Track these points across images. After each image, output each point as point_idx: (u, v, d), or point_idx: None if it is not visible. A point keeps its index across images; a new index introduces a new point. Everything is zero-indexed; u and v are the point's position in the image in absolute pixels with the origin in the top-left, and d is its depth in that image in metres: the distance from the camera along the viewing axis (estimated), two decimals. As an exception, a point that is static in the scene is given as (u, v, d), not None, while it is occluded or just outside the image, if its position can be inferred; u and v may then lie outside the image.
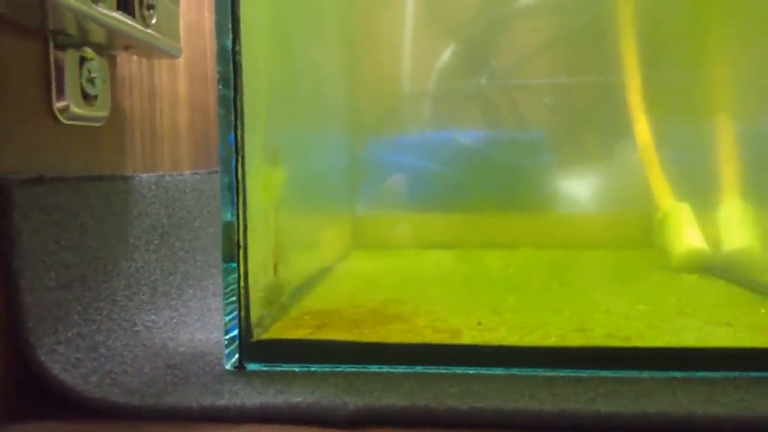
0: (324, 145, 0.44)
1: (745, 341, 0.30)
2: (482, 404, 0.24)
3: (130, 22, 0.32)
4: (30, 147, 0.28)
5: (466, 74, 0.43)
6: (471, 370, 0.28)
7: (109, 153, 0.34)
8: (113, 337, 0.30)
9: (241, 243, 0.29)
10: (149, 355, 0.30)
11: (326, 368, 0.29)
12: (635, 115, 0.39)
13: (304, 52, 0.40)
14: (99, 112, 0.33)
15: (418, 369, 0.29)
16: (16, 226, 0.26)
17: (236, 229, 0.29)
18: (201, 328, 0.35)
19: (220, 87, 0.29)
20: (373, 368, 0.29)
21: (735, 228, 0.38)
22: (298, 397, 0.25)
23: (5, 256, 0.25)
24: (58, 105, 0.30)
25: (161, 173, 0.38)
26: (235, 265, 0.29)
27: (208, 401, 0.25)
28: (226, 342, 0.29)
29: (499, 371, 0.28)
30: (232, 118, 0.29)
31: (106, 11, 0.30)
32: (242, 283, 0.30)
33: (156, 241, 0.36)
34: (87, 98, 0.32)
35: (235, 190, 0.29)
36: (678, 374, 0.27)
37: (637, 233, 0.42)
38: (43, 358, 0.26)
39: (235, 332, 0.30)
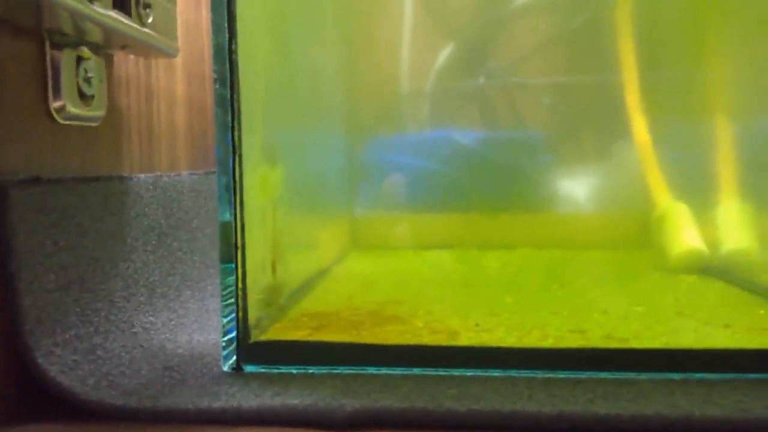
0: (322, 146, 0.43)
1: (743, 342, 0.30)
2: (480, 406, 0.24)
3: (126, 21, 0.32)
4: (26, 147, 0.28)
5: (464, 74, 0.42)
6: (469, 372, 0.28)
7: (106, 153, 0.34)
8: (111, 339, 0.30)
9: (239, 244, 0.29)
10: (147, 356, 0.30)
11: (324, 370, 0.29)
12: (633, 115, 0.39)
13: (302, 52, 0.40)
14: (96, 111, 0.33)
15: (416, 371, 0.28)
16: (13, 228, 0.26)
17: (234, 230, 0.29)
18: (199, 329, 0.35)
19: (217, 86, 0.29)
20: (371, 370, 0.29)
21: (733, 228, 0.38)
22: (295, 399, 0.25)
23: (2, 257, 0.25)
24: (55, 105, 0.30)
25: (158, 173, 0.38)
26: (232, 266, 0.29)
27: (205, 403, 0.25)
28: (223, 343, 0.29)
29: (496, 373, 0.28)
30: (229, 118, 0.29)
31: (102, 10, 0.30)
32: (240, 285, 0.30)
33: (154, 242, 0.36)
34: (83, 98, 0.32)
35: (232, 190, 0.29)
36: (676, 376, 0.27)
37: (636, 234, 0.42)
38: (40, 360, 0.26)
39: (233, 334, 0.29)
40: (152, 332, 0.33)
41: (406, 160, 0.43)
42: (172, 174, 0.39)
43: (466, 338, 0.31)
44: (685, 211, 0.40)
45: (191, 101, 0.45)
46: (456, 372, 0.28)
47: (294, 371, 0.29)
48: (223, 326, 0.29)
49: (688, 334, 0.31)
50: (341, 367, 0.29)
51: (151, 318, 0.33)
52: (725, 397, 0.25)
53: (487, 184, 0.42)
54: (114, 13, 0.31)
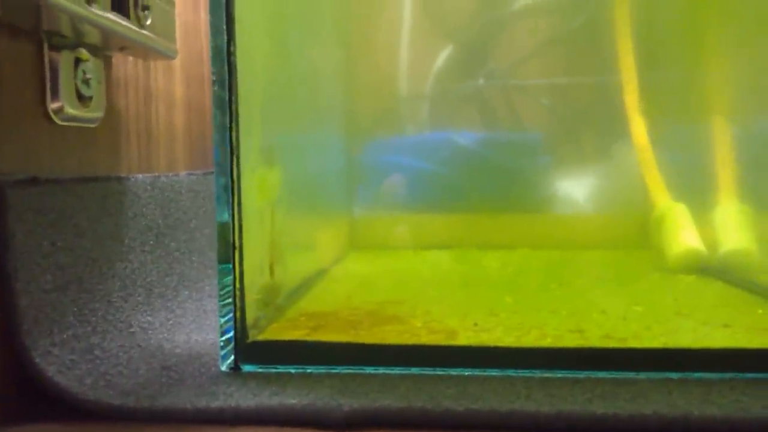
0: (321, 147, 0.44)
1: (742, 342, 0.30)
2: (478, 406, 0.24)
3: (124, 23, 0.32)
4: (24, 148, 0.28)
5: (463, 75, 0.43)
6: (467, 372, 0.28)
7: (104, 154, 0.34)
8: (108, 339, 0.30)
9: (237, 244, 0.29)
10: (144, 356, 0.30)
11: (322, 370, 0.29)
12: (632, 116, 0.39)
13: (301, 53, 0.40)
14: (94, 113, 0.33)
15: (414, 370, 0.28)
16: (11, 228, 0.26)
17: (232, 231, 0.29)
18: (197, 329, 0.35)
19: (216, 88, 0.29)
20: (369, 370, 0.29)
21: (732, 229, 0.38)
22: (293, 398, 0.25)
23: (0, 258, 0.25)
24: (53, 106, 0.30)
25: (157, 174, 0.38)
26: (230, 266, 0.29)
27: (203, 403, 0.25)
28: (221, 343, 0.29)
29: (495, 372, 0.28)
30: (228, 119, 0.29)
31: (100, 12, 0.30)
32: (238, 285, 0.30)
33: (151, 242, 0.36)
34: (82, 99, 0.32)
35: (230, 191, 0.29)
36: (674, 375, 0.27)
37: (635, 234, 0.42)
38: (38, 360, 0.26)
39: (231, 333, 0.29)
40: (150, 332, 0.33)
41: (406, 161, 0.43)
42: (171, 174, 0.39)
43: (465, 338, 0.31)
44: (684, 211, 0.40)
45: (190, 103, 0.45)
46: (454, 372, 0.28)
47: (292, 371, 0.29)
48: (221, 326, 0.29)
49: (686, 334, 0.31)
50: (339, 367, 0.29)
51: (149, 318, 0.33)
52: (724, 396, 0.25)
53: (487, 184, 0.42)
54: (112, 15, 0.31)
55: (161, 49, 0.36)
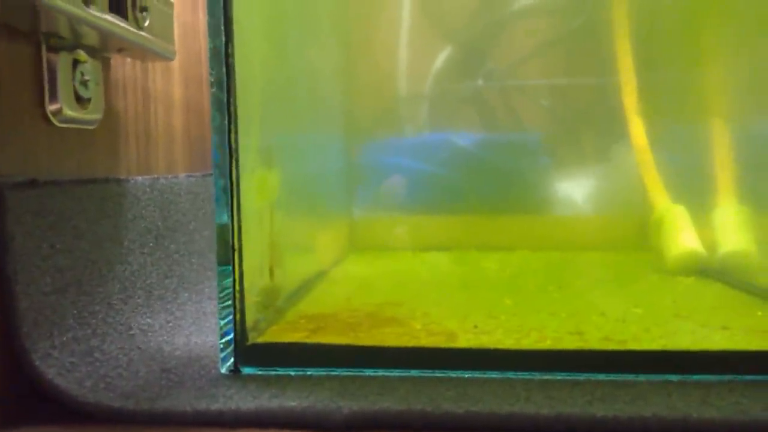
0: (320, 148, 0.43)
1: (741, 344, 0.30)
2: (478, 408, 0.24)
3: (122, 24, 0.32)
4: (23, 150, 0.28)
5: (462, 76, 0.42)
6: (467, 374, 0.28)
7: (103, 156, 0.34)
8: (108, 341, 0.30)
9: (236, 246, 0.29)
10: (144, 359, 0.30)
11: (322, 372, 0.29)
12: (631, 118, 0.39)
13: (299, 54, 0.40)
14: (92, 114, 0.33)
15: (414, 373, 0.28)
16: (10, 231, 0.25)
17: (231, 232, 0.29)
18: (196, 331, 0.35)
19: (214, 89, 0.29)
20: (369, 372, 0.29)
21: (731, 230, 0.38)
22: (293, 401, 0.25)
23: (-2, 260, 0.25)
24: (51, 108, 0.30)
25: (156, 176, 0.38)
26: (230, 268, 0.29)
27: (202, 405, 0.25)
28: (221, 346, 0.29)
29: (494, 375, 0.28)
30: (226, 120, 0.29)
31: (98, 14, 0.30)
32: (237, 287, 0.30)
33: (151, 244, 0.36)
34: (80, 101, 0.32)
35: (230, 192, 0.29)
36: (673, 377, 0.27)
37: (634, 236, 0.42)
38: (37, 363, 0.26)
39: (231, 336, 0.29)
40: (150, 334, 0.33)
41: (405, 163, 0.43)
42: (170, 176, 0.39)
43: (464, 340, 0.31)
44: (683, 213, 0.40)
45: (188, 104, 0.45)
46: (454, 374, 0.28)
47: (292, 373, 0.29)
48: (221, 328, 0.29)
49: (685, 336, 0.31)
50: (339, 369, 0.29)
51: (149, 320, 0.33)
52: (723, 398, 0.25)
53: (486, 186, 0.42)
54: (110, 17, 0.31)
55: (159, 50, 0.36)
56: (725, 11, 0.39)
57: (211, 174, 0.29)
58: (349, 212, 0.45)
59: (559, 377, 0.28)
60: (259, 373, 0.29)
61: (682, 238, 0.39)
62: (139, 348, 0.31)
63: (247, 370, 0.29)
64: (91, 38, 0.31)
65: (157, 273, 0.36)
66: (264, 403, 0.25)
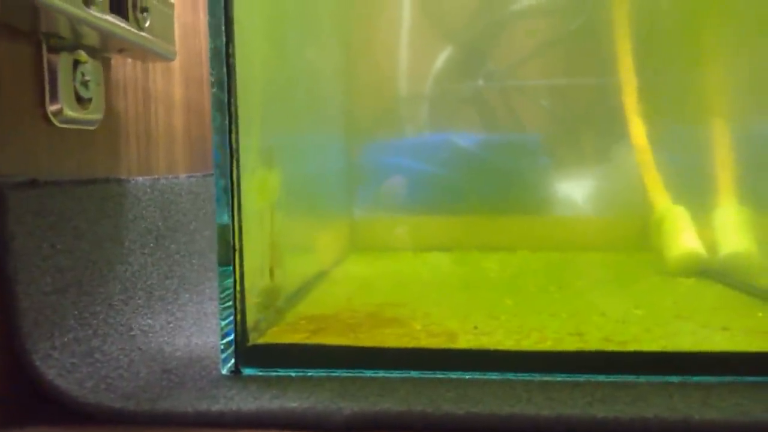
0: (321, 148, 0.43)
1: (741, 345, 0.30)
2: (478, 409, 0.24)
3: (123, 25, 0.32)
4: (23, 150, 0.28)
5: (462, 77, 0.42)
6: (467, 375, 0.28)
7: (104, 156, 0.34)
8: (109, 342, 0.30)
9: (237, 246, 0.29)
10: (145, 359, 0.30)
11: (322, 373, 0.29)
12: (631, 118, 0.39)
13: (300, 55, 0.40)
14: (93, 115, 0.33)
15: (414, 374, 0.28)
16: (10, 231, 0.25)
17: (232, 233, 0.29)
18: (197, 332, 0.35)
19: (215, 90, 0.29)
20: (369, 373, 0.29)
21: (732, 231, 0.38)
22: (293, 402, 0.25)
23: (-1, 260, 0.25)
24: (52, 108, 0.30)
25: (156, 176, 0.38)
26: (230, 268, 0.29)
27: (203, 406, 0.25)
28: (222, 346, 0.29)
29: (495, 376, 0.28)
30: (227, 121, 0.29)
31: (98, 14, 0.30)
32: (238, 287, 0.30)
33: (151, 245, 0.36)
34: (81, 101, 0.32)
35: (230, 193, 0.29)
36: (674, 379, 0.27)
37: (634, 236, 0.42)
38: (38, 363, 0.26)
39: (232, 337, 0.29)
40: (150, 335, 0.33)
41: (405, 163, 0.43)
42: (170, 177, 0.39)
43: (465, 341, 0.31)
44: (683, 214, 0.40)
45: (189, 104, 0.45)
46: (454, 375, 0.28)
47: (292, 374, 0.29)
48: (222, 329, 0.29)
49: (686, 337, 0.31)
50: (339, 370, 0.29)
51: (150, 321, 0.33)
52: (724, 400, 0.25)
53: (486, 186, 0.42)
54: (111, 17, 0.31)
55: (160, 50, 0.36)
56: (725, 11, 0.39)
57: (212, 174, 0.29)
58: (350, 212, 0.45)
59: (559, 378, 0.28)
60: (260, 374, 0.29)
61: (683, 238, 0.39)
62: (140, 349, 0.31)
63: (247, 371, 0.29)
64: (92, 39, 0.31)
65: (157, 273, 0.36)
66: (265, 404, 0.25)
